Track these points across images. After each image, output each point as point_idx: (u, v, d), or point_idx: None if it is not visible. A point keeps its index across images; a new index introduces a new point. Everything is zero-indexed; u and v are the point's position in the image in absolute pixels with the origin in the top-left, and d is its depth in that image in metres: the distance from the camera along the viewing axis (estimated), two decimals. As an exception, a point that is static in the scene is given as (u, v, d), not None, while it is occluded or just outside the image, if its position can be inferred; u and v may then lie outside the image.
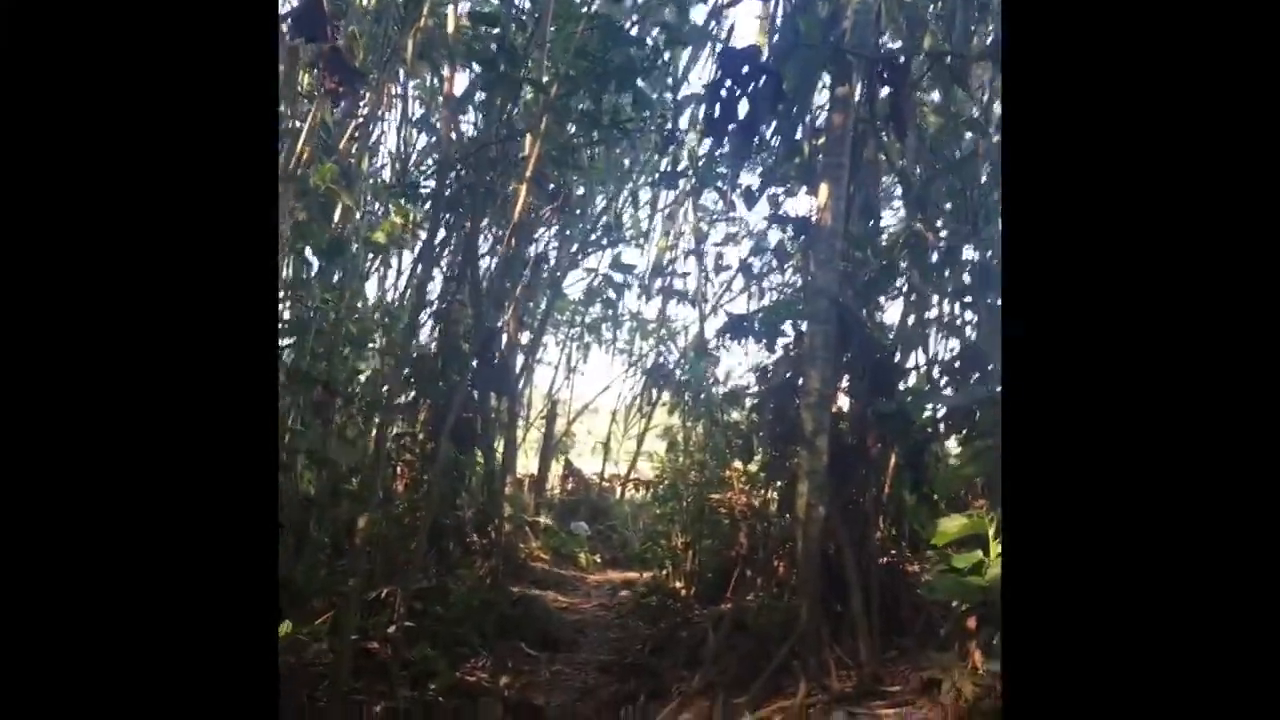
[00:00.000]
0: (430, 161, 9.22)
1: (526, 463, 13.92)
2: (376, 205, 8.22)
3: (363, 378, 7.14)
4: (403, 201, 7.64)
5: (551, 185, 8.15)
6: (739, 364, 18.91)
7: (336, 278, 7.51)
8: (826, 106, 6.73)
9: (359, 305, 7.53)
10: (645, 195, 12.00)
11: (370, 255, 8.69)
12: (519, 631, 6.92)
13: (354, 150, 8.03)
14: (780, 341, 7.12)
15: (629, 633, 7.41)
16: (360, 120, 8.15)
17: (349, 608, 5.36)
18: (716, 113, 6.15)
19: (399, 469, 6.58)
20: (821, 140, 6.90)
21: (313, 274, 8.04)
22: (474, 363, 7.31)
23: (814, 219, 6.39)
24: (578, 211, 10.18)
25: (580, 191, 10.44)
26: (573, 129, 8.20)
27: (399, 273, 8.95)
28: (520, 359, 15.88)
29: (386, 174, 9.75)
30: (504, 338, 7.81)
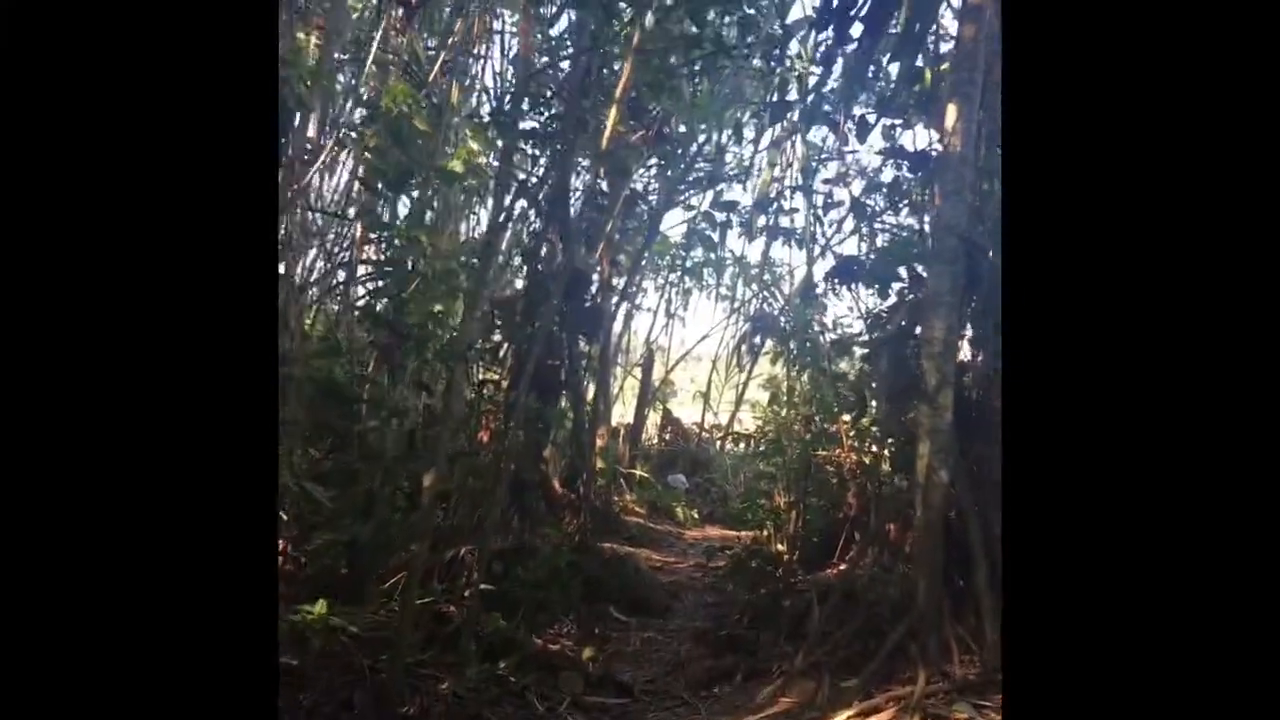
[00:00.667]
0: (523, 94, 8.70)
1: (624, 411, 13.48)
2: (465, 136, 7.74)
3: (450, 322, 6.70)
4: (490, 133, 7.14)
5: (649, 112, 7.54)
6: (849, 310, 18.09)
7: (428, 217, 7.11)
8: (955, 22, 5.97)
9: (443, 245, 7.08)
10: (750, 131, 11.27)
11: (461, 193, 8.28)
12: (607, 595, 6.49)
13: (443, 82, 7.57)
14: (895, 286, 6.47)
15: (726, 598, 6.91)
16: (450, 53, 7.69)
17: (415, 569, 5.00)
18: (828, 37, 5.49)
19: (482, 419, 6.14)
20: (945, 66, 6.14)
21: (400, 213, 7.67)
22: (562, 305, 6.85)
23: (942, 145, 5.65)
24: (678, 150, 9.52)
25: (681, 129, 9.79)
26: (672, 57, 7.58)
27: (491, 210, 8.46)
28: (617, 304, 15.52)
29: (483, 110, 9.31)
30: (595, 279, 7.28)
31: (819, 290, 10.00)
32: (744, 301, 14.81)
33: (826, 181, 8.45)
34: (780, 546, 7.05)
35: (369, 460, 5.68)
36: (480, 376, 6.50)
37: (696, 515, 10.92)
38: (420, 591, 5.31)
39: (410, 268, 6.08)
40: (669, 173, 9.85)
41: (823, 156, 10.27)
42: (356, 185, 8.23)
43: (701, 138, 10.37)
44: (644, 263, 14.29)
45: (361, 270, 7.14)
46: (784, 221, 9.98)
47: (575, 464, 6.91)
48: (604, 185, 8.06)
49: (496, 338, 6.63)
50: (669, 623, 6.43)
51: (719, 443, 14.18)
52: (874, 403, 6.86)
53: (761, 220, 9.67)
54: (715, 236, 11.65)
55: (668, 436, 13.76)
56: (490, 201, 7.91)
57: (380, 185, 6.04)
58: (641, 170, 13.75)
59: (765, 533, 7.15)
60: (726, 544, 9.36)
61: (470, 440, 5.95)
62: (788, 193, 9.69)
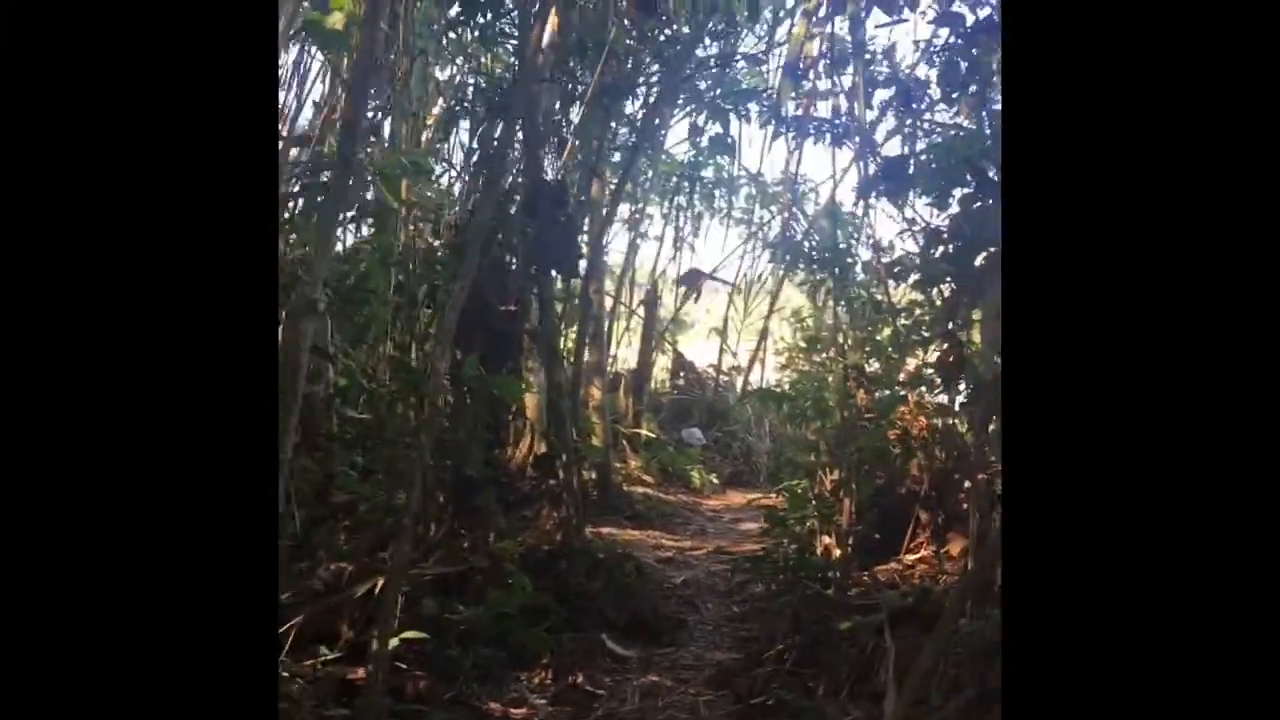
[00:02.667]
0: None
1: (627, 356, 11.72)
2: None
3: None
4: None
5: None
6: (893, 224, 15.86)
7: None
8: None
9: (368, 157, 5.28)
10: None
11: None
12: (599, 613, 4.83)
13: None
14: (957, 193, 4.72)
15: (756, 609, 5.24)
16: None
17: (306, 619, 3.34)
18: None
19: (409, 394, 4.42)
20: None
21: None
22: (524, 229, 5.08)
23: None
24: (674, 28, 7.56)
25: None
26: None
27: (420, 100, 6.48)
28: (615, 233, 13.64)
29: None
30: (569, 191, 5.48)
31: (855, 202, 8.13)
32: (764, 222, 12.96)
33: (867, 57, 6.49)
34: (827, 539, 5.33)
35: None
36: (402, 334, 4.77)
37: (716, 479, 9.21)
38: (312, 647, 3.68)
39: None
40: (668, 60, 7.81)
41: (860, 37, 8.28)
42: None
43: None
44: (645, 182, 12.46)
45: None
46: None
47: (552, 443, 5.17)
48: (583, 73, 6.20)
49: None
50: (681, 652, 4.76)
51: (739, 385, 12.42)
52: (934, 340, 5.13)
53: (788, 109, 7.69)
54: (731, 136, 9.60)
55: (680, 382, 11.99)
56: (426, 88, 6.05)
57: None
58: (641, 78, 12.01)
59: (808, 524, 5.40)
60: (753, 510, 7.70)
61: (388, 424, 4.27)
62: (819, 73, 7.73)
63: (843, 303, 7.45)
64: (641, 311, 10.75)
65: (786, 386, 13.19)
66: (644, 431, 8.96)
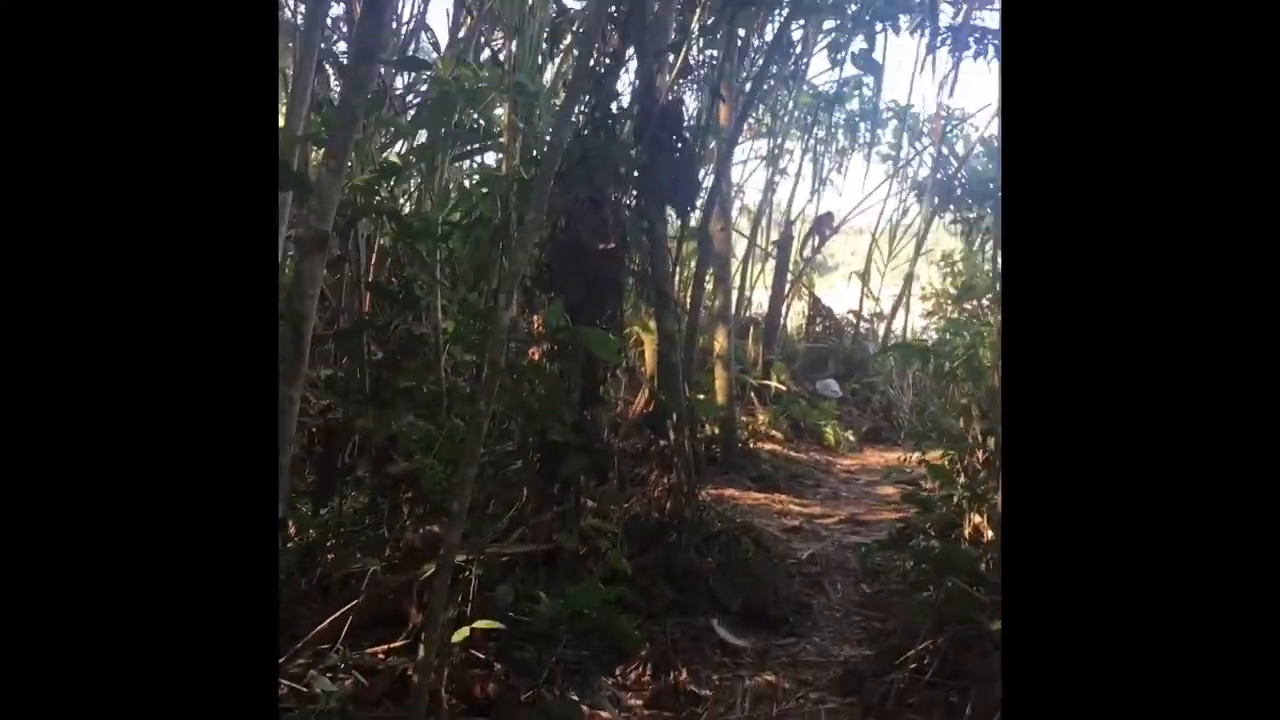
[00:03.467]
0: None
1: (761, 301, 10.98)
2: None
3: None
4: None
5: None
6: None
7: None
8: None
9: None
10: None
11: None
12: (711, 594, 4.26)
13: None
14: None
15: (891, 599, 4.57)
16: None
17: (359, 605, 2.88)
18: None
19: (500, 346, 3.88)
20: None
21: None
22: (635, 156, 4.45)
23: None
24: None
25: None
26: None
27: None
28: (753, 170, 12.77)
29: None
30: (685, 120, 4.80)
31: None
32: (913, 156, 11.95)
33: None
34: (978, 518, 4.59)
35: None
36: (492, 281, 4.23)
37: (852, 436, 8.47)
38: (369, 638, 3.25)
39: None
40: None
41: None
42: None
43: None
44: (784, 115, 11.60)
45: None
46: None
47: (663, 403, 4.57)
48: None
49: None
50: (803, 644, 4.14)
51: (881, 334, 11.56)
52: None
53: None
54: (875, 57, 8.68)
55: (817, 329, 11.19)
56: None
57: None
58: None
59: (955, 501, 4.67)
60: (895, 473, 6.97)
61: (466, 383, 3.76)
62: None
63: (981, 236, 6.58)
64: (775, 253, 9.97)
65: (934, 337, 12.34)
66: (774, 384, 8.27)
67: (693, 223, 5.97)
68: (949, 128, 11.44)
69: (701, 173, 5.71)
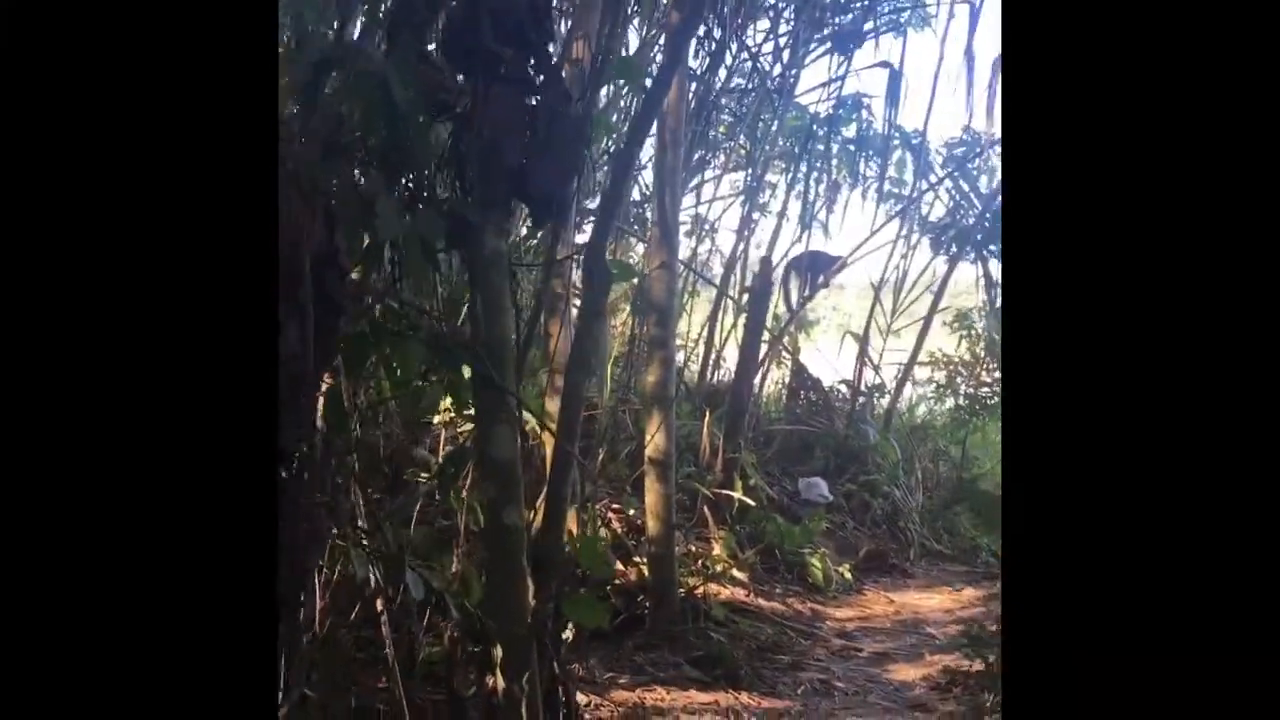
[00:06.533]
0: None
1: (719, 375, 8.44)
2: None
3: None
4: None
5: None
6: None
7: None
8: None
9: None
10: None
11: None
12: None
13: None
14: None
15: None
16: None
17: None
18: None
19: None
20: None
21: None
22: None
23: None
24: None
25: None
26: None
27: None
28: (728, 205, 10.45)
29: None
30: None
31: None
32: (917, 193, 9.54)
33: None
34: None
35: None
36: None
37: (848, 571, 5.93)
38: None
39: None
40: None
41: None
42: None
43: None
44: (763, 138, 9.20)
45: None
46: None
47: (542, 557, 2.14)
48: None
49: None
50: None
51: (885, 410, 9.08)
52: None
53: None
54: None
55: (800, 404, 8.69)
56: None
57: None
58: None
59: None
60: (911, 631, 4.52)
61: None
62: None
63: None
64: (747, 306, 7.46)
65: (945, 416, 9.86)
66: (737, 494, 5.74)
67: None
68: (973, 157, 9.10)
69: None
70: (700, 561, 5.22)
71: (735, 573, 5.14)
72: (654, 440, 4.71)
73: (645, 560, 4.74)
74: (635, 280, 4.89)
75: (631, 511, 5.24)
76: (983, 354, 9.35)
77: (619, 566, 4.85)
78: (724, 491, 5.66)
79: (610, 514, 5.22)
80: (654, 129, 4.48)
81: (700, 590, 4.88)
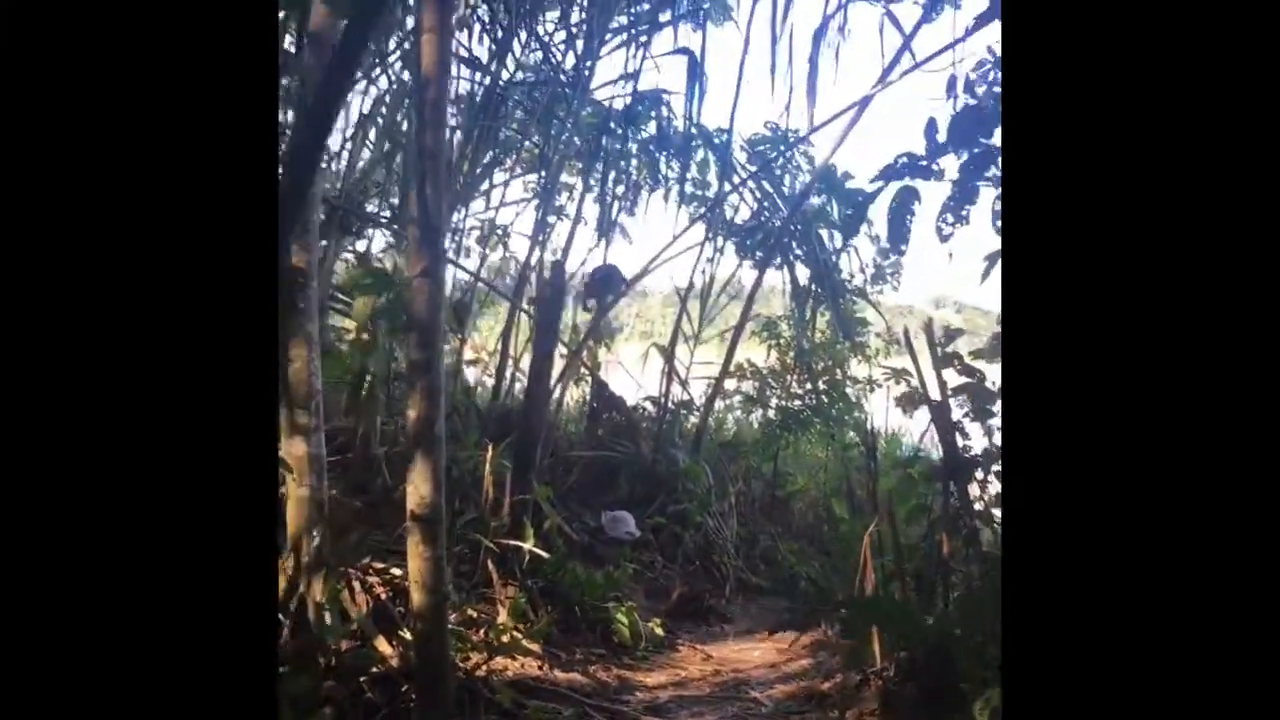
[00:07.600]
0: None
1: (515, 390, 7.53)
2: None
3: None
4: None
5: None
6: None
7: None
8: None
9: None
10: None
11: None
12: None
13: None
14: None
15: None
16: None
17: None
18: None
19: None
20: None
21: None
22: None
23: None
24: None
25: None
26: None
27: None
28: (521, 210, 9.59)
29: None
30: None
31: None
32: (721, 196, 8.94)
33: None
34: None
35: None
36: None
37: (659, 627, 5.15)
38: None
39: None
40: None
41: None
42: None
43: None
44: (558, 141, 8.35)
45: None
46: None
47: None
48: None
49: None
50: None
51: (694, 429, 8.39)
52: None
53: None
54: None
55: (602, 427, 7.89)
56: None
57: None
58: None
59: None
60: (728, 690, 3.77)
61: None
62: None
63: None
64: (534, 317, 6.57)
65: (756, 431, 9.27)
66: (527, 545, 4.84)
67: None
68: (780, 154, 8.58)
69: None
70: (483, 630, 4.29)
71: (525, 642, 4.24)
72: (416, 490, 3.75)
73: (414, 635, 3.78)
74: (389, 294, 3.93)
75: (398, 571, 4.27)
76: (793, 363, 8.82)
77: (384, 648, 3.89)
78: (511, 542, 4.75)
79: (371, 578, 4.23)
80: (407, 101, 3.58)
81: (483, 669, 3.96)
